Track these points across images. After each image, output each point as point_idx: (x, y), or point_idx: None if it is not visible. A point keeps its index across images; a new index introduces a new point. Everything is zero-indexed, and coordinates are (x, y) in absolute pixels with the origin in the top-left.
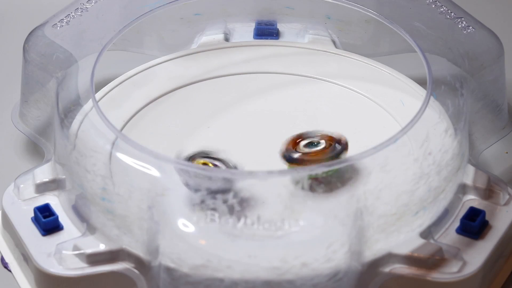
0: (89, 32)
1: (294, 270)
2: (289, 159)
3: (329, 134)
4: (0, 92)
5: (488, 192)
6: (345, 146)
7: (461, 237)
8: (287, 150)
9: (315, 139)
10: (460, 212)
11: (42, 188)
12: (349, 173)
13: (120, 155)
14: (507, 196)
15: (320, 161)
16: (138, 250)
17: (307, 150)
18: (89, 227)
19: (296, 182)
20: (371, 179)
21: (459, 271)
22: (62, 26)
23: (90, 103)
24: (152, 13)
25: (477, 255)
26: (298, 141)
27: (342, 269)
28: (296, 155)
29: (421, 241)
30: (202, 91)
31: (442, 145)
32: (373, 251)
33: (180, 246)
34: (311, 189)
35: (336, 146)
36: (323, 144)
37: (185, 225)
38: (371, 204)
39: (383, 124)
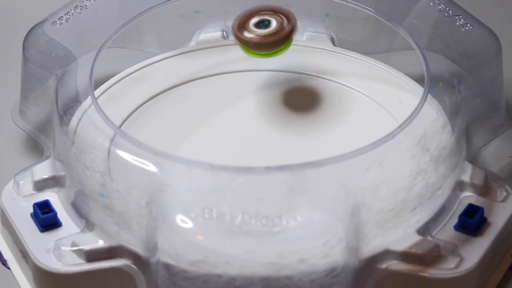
0: (88, 29)
1: (292, 266)
2: (241, 40)
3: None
4: (0, 89)
5: (486, 189)
6: (293, 24)
7: (458, 233)
8: (239, 27)
9: (266, 17)
10: (458, 208)
11: (41, 184)
12: None
13: (118, 152)
14: (505, 193)
15: (273, 43)
16: (136, 246)
17: (259, 31)
18: (88, 224)
19: None
20: (368, 175)
21: (456, 267)
22: (62, 23)
23: (89, 100)
24: (152, 11)
25: (474, 251)
26: (249, 18)
27: (339, 265)
28: (249, 36)
29: (418, 237)
30: (201, 88)
31: (439, 141)
32: (370, 247)
33: (178, 242)
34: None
35: (284, 26)
36: (274, 24)
37: (183, 221)
38: (369, 200)
39: (381, 122)
